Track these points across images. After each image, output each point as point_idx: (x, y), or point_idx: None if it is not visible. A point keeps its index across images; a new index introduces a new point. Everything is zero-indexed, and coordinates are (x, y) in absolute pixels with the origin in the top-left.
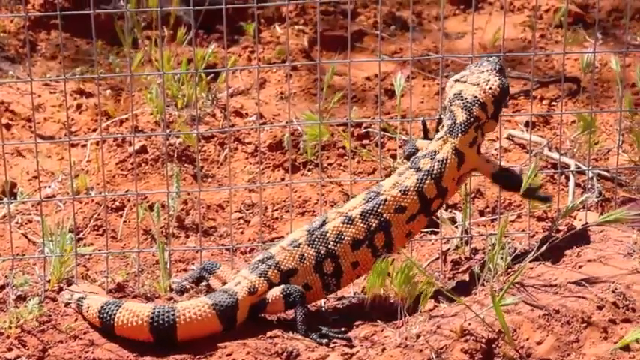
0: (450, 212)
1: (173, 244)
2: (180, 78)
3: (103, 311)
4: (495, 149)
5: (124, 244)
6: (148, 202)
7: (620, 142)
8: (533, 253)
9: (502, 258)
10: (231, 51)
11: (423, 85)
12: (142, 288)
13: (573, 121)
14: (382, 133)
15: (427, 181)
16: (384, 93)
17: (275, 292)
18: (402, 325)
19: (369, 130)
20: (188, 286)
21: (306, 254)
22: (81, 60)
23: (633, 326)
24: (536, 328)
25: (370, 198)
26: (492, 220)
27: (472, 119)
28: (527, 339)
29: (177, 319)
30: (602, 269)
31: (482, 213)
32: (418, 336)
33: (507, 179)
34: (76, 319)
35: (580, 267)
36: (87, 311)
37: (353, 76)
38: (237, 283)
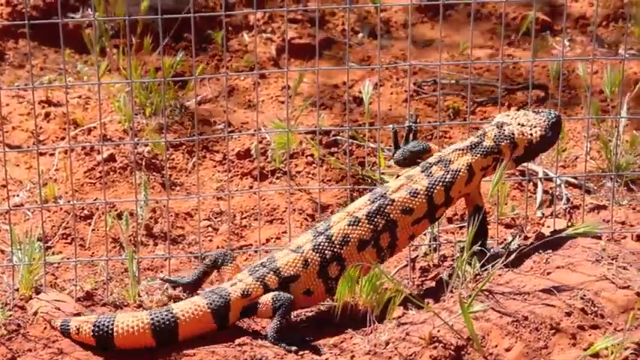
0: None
1: (142, 252)
2: (148, 86)
3: (97, 328)
4: None
5: (93, 253)
6: (116, 210)
7: (588, 149)
8: (501, 260)
9: (470, 265)
10: (200, 59)
11: (391, 93)
12: (111, 296)
13: None
14: (350, 140)
15: (438, 187)
16: (353, 100)
17: (267, 297)
18: (371, 332)
19: (338, 137)
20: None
21: (310, 260)
22: (49, 68)
23: (602, 332)
24: (505, 334)
25: (376, 198)
26: (461, 227)
27: (496, 150)
28: (496, 346)
29: (178, 320)
30: (571, 276)
31: (450, 220)
32: (387, 343)
33: (481, 223)
34: (45, 328)
35: (548, 274)
36: (77, 333)
37: (321, 84)
38: (234, 284)
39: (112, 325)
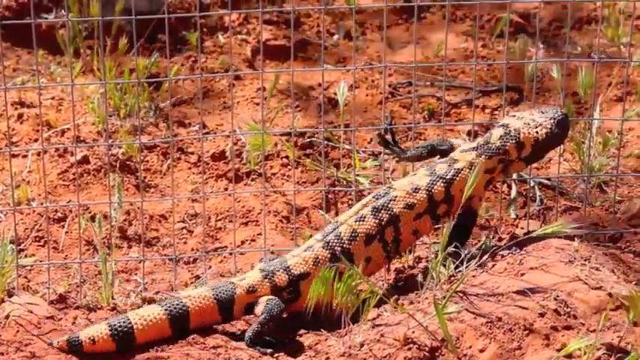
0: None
1: (115, 254)
2: (122, 88)
3: (114, 330)
4: (437, 158)
5: (66, 255)
6: (90, 212)
7: (562, 151)
8: (475, 261)
9: (445, 266)
10: (174, 60)
11: (367, 94)
12: (84, 299)
13: None
14: (326, 142)
15: (438, 184)
16: (328, 102)
17: (264, 298)
18: (346, 334)
19: (313, 139)
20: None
21: (320, 257)
22: (22, 70)
23: (575, 333)
24: (479, 335)
25: (380, 195)
26: (435, 229)
27: (501, 151)
28: (470, 347)
29: (189, 308)
30: (544, 277)
31: None
32: (362, 345)
33: (467, 226)
34: (17, 331)
35: (522, 275)
36: (93, 342)
37: (296, 86)
38: (243, 279)
39: (130, 322)
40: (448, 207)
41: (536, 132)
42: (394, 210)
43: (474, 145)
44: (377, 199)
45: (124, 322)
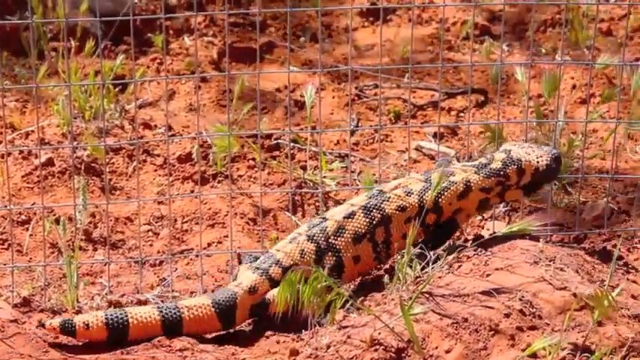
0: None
1: (80, 257)
2: (87, 90)
3: (110, 320)
4: (404, 160)
5: (30, 258)
6: (54, 215)
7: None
8: (441, 262)
9: (411, 267)
10: (140, 62)
11: (333, 97)
12: (49, 302)
13: (481, 132)
14: (292, 144)
15: (429, 193)
16: (294, 104)
17: (273, 293)
18: (312, 336)
19: (279, 141)
20: None
21: (306, 249)
22: None
23: (540, 333)
24: (445, 336)
25: (373, 195)
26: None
27: (501, 174)
28: (437, 348)
29: (182, 316)
30: (510, 278)
31: None
32: (328, 346)
33: (443, 236)
34: None
35: (488, 276)
36: (87, 328)
37: (263, 88)
38: (239, 283)
39: (126, 316)
40: (436, 218)
41: (537, 162)
42: (386, 210)
43: (476, 164)
44: (370, 198)
45: (120, 315)
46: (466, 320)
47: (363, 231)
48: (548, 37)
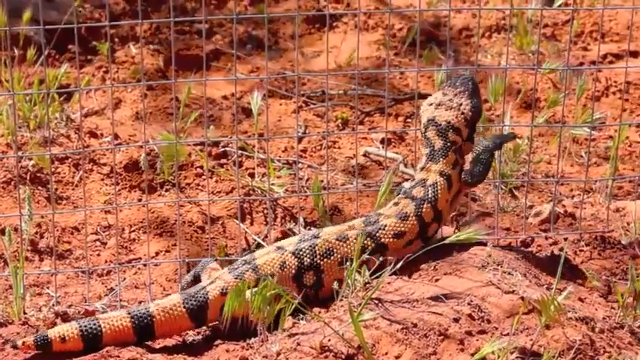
0: (309, 229)
1: (27, 267)
2: (32, 99)
3: (84, 330)
4: (352, 166)
5: None
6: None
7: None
8: (390, 268)
9: (360, 274)
10: (85, 71)
11: (280, 104)
12: None
13: None
14: (240, 151)
15: (425, 206)
16: (241, 112)
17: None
18: (262, 343)
19: (227, 149)
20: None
21: (287, 262)
22: None
23: (489, 337)
24: (395, 342)
25: (370, 222)
26: None
27: (449, 144)
28: (386, 353)
29: (154, 319)
30: (458, 282)
31: None
32: (278, 354)
33: (478, 162)
34: None
35: (436, 280)
36: (63, 341)
37: (210, 95)
38: (212, 282)
39: (99, 325)
40: (438, 225)
41: (462, 113)
42: (382, 240)
43: (426, 159)
44: (366, 225)
45: (94, 324)
46: (415, 325)
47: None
48: (494, 43)
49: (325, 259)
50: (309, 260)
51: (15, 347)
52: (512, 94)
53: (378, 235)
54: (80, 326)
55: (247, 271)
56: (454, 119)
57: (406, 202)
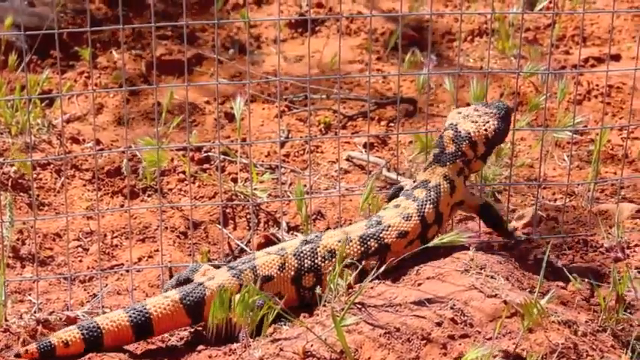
0: (292, 234)
1: (8, 274)
2: (13, 104)
3: (85, 333)
4: (335, 171)
5: None
6: None
7: None
8: (373, 272)
9: (343, 278)
10: (67, 76)
11: (263, 108)
12: None
13: (411, 142)
14: (222, 156)
15: (428, 206)
16: (224, 116)
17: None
18: (245, 349)
19: (209, 153)
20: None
21: (287, 264)
22: None
23: (472, 341)
24: (378, 347)
25: (372, 225)
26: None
27: (460, 153)
28: (369, 358)
29: (151, 315)
30: (441, 286)
31: None
32: (261, 359)
33: (493, 214)
34: None
35: (419, 285)
36: (66, 345)
37: (192, 100)
38: (210, 278)
39: (98, 326)
40: (438, 228)
41: (485, 129)
42: (385, 240)
43: (432, 159)
44: (368, 227)
45: (92, 326)
46: (398, 330)
47: (355, 259)
48: (476, 47)
49: (326, 262)
50: (309, 262)
51: (18, 356)
52: (494, 97)
53: (381, 235)
54: (81, 329)
55: (246, 270)
56: (475, 133)
57: (408, 204)
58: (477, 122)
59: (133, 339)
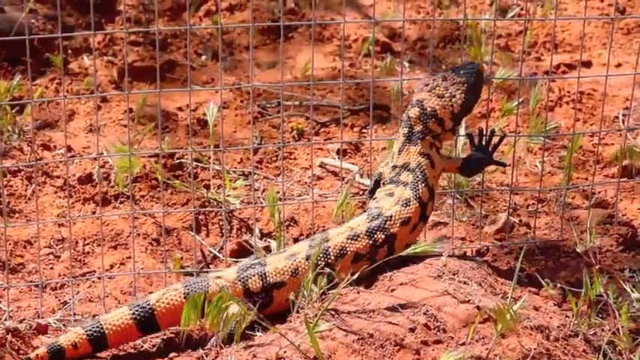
0: (265, 240)
1: None
2: None
3: (88, 332)
4: (308, 177)
5: None
6: None
7: None
8: (347, 278)
9: (316, 284)
10: (38, 83)
11: (236, 115)
12: None
13: (384, 148)
14: (195, 163)
15: (420, 186)
16: (197, 123)
17: None
18: (217, 355)
19: (182, 160)
20: None
21: (300, 268)
22: None
23: (445, 347)
24: (351, 353)
25: (374, 217)
26: None
27: (427, 131)
28: None
29: (154, 309)
30: (414, 292)
31: (296, 240)
32: None
33: (475, 164)
34: None
35: (392, 291)
36: (75, 347)
37: (164, 107)
38: (218, 277)
39: (102, 325)
40: (432, 202)
41: (451, 105)
42: (391, 230)
43: (403, 139)
44: (371, 220)
45: (96, 326)
46: (372, 336)
47: (365, 252)
48: (448, 53)
49: (339, 259)
50: (323, 263)
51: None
52: None
53: (386, 226)
54: (86, 330)
55: (254, 276)
56: (440, 110)
57: (401, 190)
58: (442, 97)
59: (139, 336)
